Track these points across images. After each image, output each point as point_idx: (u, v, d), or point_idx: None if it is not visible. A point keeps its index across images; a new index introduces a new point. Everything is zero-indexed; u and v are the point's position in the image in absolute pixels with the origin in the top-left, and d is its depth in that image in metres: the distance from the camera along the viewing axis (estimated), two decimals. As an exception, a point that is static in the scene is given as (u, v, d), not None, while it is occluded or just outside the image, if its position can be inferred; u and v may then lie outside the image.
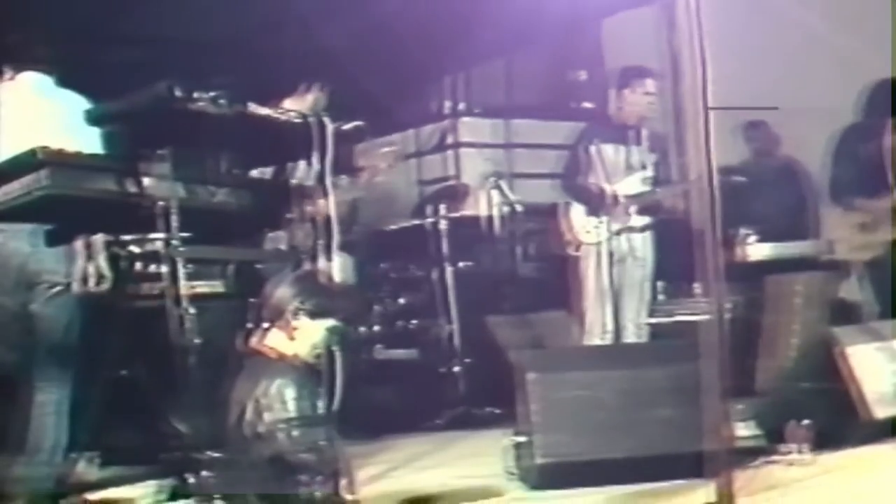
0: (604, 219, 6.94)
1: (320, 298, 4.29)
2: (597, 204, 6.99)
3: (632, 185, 7.03)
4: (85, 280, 4.44)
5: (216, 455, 4.16)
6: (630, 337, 7.00)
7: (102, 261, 4.45)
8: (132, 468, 5.04)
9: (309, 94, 6.22)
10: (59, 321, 4.80)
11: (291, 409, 4.00)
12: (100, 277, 4.44)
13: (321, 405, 4.14)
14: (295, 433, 3.97)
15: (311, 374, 4.25)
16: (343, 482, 4.01)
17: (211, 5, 7.21)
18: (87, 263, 4.45)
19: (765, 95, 8.20)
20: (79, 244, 4.47)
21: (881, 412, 5.08)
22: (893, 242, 6.53)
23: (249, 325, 4.37)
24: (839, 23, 7.93)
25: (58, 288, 4.75)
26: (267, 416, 3.98)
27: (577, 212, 7.10)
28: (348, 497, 4.02)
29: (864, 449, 4.91)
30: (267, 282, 4.50)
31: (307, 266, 4.67)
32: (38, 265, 4.76)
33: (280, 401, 4.00)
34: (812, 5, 8.00)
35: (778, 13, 8.25)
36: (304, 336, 4.23)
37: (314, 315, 4.23)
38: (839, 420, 5.01)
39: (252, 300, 4.48)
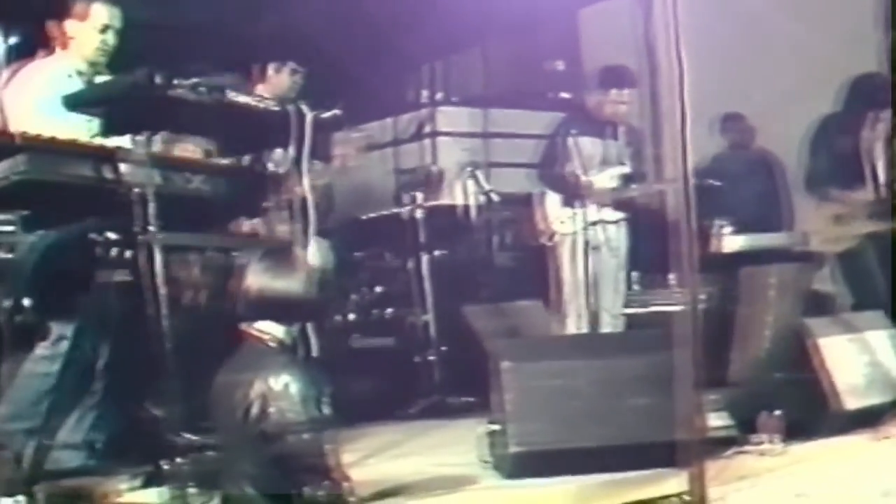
0: (579, 209, 6.96)
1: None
2: (573, 194, 7.01)
3: (607, 179, 7.05)
4: None
5: (192, 441, 4.16)
6: (606, 327, 7.02)
7: None
8: (108, 455, 5.01)
9: (283, 74, 6.22)
10: None
11: (300, 410, 3.91)
12: None
13: (326, 404, 4.07)
14: (304, 436, 3.93)
15: (315, 370, 4.20)
16: (346, 485, 3.99)
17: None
18: None
19: (741, 87, 8.25)
20: None
21: (852, 403, 5.12)
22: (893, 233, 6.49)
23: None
24: (817, 16, 7.98)
25: None
26: (274, 416, 3.90)
27: (553, 201, 7.11)
28: (351, 499, 3.99)
29: (835, 440, 4.94)
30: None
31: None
32: None
33: (288, 401, 3.92)
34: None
35: (754, 6, 8.30)
36: None
37: None
38: (811, 411, 5.03)
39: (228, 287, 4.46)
